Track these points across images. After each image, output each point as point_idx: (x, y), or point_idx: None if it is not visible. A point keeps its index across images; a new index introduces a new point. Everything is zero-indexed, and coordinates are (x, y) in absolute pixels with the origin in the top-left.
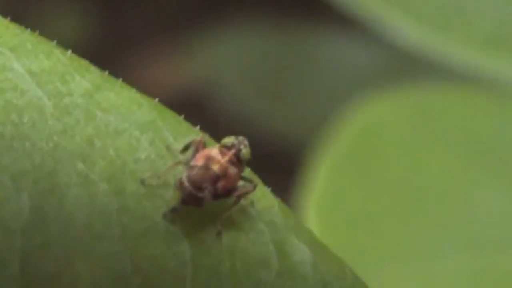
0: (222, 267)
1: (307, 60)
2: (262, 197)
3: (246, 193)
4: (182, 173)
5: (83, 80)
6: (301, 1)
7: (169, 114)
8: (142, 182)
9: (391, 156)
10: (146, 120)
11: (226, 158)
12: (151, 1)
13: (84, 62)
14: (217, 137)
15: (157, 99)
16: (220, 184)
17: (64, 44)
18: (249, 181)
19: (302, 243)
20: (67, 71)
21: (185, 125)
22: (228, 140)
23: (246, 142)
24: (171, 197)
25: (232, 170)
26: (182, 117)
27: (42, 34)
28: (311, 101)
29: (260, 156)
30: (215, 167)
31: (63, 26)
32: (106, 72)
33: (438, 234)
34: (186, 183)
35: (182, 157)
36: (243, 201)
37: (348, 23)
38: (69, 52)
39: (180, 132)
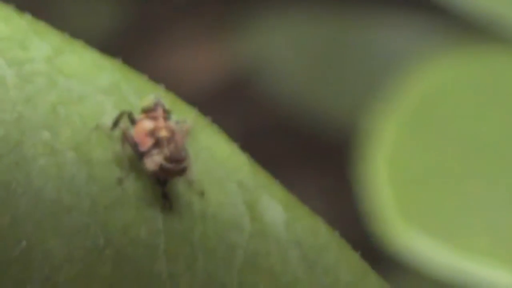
0: (194, 233)
1: (359, 38)
2: (231, 155)
3: (188, 132)
4: (149, 162)
5: (43, 44)
6: None
7: (133, 75)
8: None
9: (455, 114)
10: (110, 83)
11: (162, 119)
12: None
13: (43, 25)
14: (261, 121)
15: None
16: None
17: (95, 32)
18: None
19: (275, 201)
20: (26, 36)
21: (150, 85)
22: (147, 103)
23: (158, 93)
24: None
25: (173, 125)
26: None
27: (71, 23)
28: (361, 80)
29: (308, 137)
30: (165, 133)
31: (94, 15)
32: (66, 34)
33: (503, 185)
34: (169, 165)
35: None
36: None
37: None
38: (28, 15)
39: (145, 93)
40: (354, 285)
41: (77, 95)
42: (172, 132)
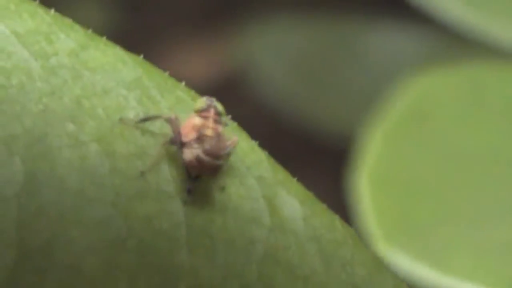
0: (215, 225)
1: (351, 45)
2: (251, 151)
3: (234, 145)
4: (187, 152)
5: (68, 39)
6: None
7: (155, 71)
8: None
9: (442, 127)
10: (132, 78)
11: (211, 120)
12: None
13: (68, 21)
14: (253, 125)
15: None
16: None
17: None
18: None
19: (292, 197)
20: (51, 31)
21: (171, 81)
22: (201, 103)
23: (212, 98)
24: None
25: (220, 128)
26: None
27: None
28: (355, 86)
29: (303, 142)
30: (210, 133)
31: (89, 20)
32: (90, 30)
33: (488, 201)
34: (206, 158)
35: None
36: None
37: (393, 5)
38: (52, 11)
39: (167, 89)
40: (369, 279)
41: (101, 89)
42: (217, 134)
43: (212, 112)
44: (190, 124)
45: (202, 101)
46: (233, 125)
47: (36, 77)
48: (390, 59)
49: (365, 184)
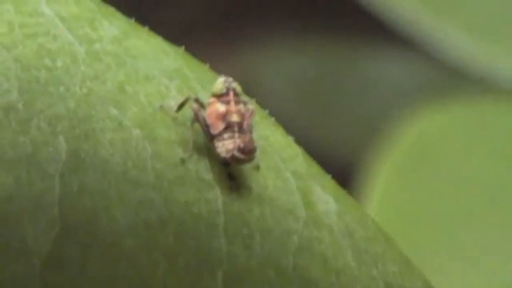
0: (252, 214)
1: (353, 74)
2: (286, 146)
3: (253, 114)
4: (220, 146)
5: (111, 26)
6: (349, 16)
7: (195, 63)
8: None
9: (445, 162)
10: (174, 68)
11: (233, 103)
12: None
13: (111, 9)
14: None
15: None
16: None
17: None
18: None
19: (326, 192)
20: (95, 17)
21: (211, 74)
22: (219, 86)
23: (229, 78)
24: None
25: (243, 108)
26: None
27: None
28: (356, 111)
29: None
30: (236, 118)
31: None
32: (133, 20)
33: (491, 235)
34: (241, 155)
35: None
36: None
37: (395, 38)
38: None
39: (207, 80)
40: (400, 275)
41: (144, 76)
42: (242, 116)
43: (231, 95)
44: (214, 112)
45: (221, 84)
46: (271, 119)
47: (80, 61)
48: (391, 86)
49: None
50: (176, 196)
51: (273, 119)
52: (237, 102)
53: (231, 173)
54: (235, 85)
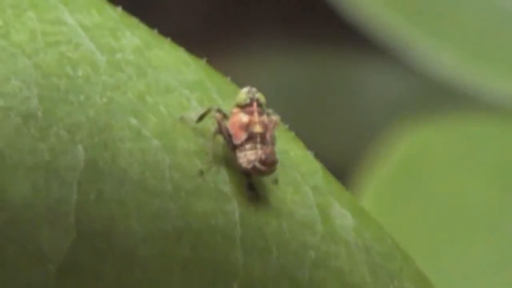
0: (269, 227)
1: (339, 89)
2: (306, 161)
3: (276, 125)
4: (242, 157)
5: (133, 37)
6: (335, 30)
7: (216, 75)
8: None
9: (434, 179)
10: (195, 80)
11: (256, 114)
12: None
13: (134, 20)
14: None
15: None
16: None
17: None
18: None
19: (344, 208)
20: (118, 27)
21: (232, 86)
22: (243, 97)
23: (253, 88)
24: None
25: (266, 119)
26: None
27: None
28: (341, 129)
29: None
30: (259, 129)
31: None
32: (155, 31)
33: (479, 253)
34: (262, 167)
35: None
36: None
37: (381, 52)
38: (119, 8)
39: (228, 93)
40: None
41: (164, 87)
42: (265, 127)
43: (255, 106)
44: (237, 122)
45: (245, 94)
46: (290, 134)
47: (101, 70)
48: (380, 101)
49: None
50: (193, 207)
51: (293, 133)
52: (260, 113)
53: (251, 184)
54: (259, 95)
